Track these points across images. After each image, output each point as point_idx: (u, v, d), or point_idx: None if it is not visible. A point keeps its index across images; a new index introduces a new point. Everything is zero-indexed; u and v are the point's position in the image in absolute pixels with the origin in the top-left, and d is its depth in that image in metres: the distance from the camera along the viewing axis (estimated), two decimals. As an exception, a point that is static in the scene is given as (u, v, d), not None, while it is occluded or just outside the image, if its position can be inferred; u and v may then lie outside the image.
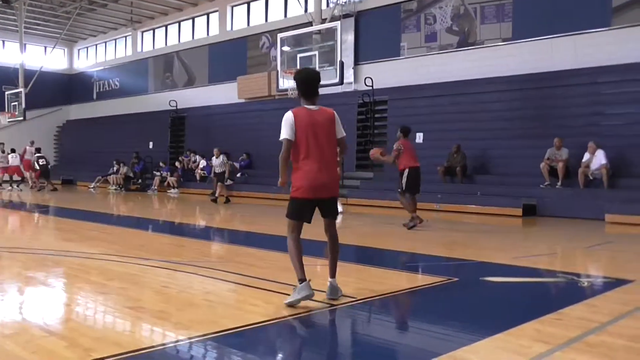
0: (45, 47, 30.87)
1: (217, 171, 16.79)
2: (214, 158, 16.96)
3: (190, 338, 3.80)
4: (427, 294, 5.39)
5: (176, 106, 24.55)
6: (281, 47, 15.76)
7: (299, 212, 4.76)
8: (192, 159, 21.90)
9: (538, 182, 13.46)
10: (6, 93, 25.89)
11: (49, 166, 22.74)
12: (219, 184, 16.51)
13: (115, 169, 23.86)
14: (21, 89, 25.28)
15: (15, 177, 22.65)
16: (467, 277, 6.13)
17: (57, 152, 31.80)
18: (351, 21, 19.11)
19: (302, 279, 4.55)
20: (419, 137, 16.17)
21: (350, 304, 4.75)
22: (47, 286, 5.68)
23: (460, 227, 11.43)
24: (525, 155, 14.43)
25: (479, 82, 16.19)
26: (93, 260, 6.94)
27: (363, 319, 4.66)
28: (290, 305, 4.49)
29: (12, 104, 25.57)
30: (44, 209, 15.34)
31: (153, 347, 3.73)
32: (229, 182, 17.36)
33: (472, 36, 16.95)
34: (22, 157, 22.56)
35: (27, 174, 22.70)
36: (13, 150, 22.05)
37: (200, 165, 20.95)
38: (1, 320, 4.40)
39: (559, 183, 13.26)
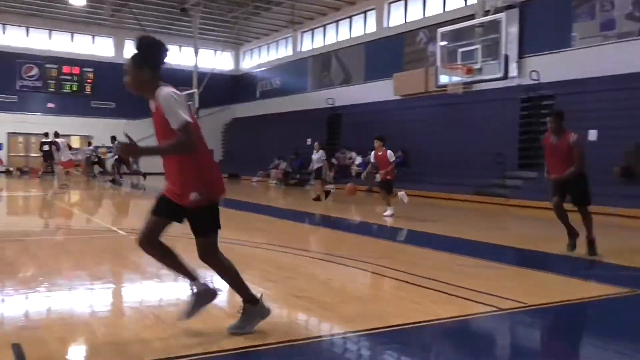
0: (215, 51, 33.36)
1: (314, 167, 16.01)
2: (314, 152, 16.19)
3: (356, 331, 3.83)
4: (604, 306, 4.89)
5: (333, 104, 25.16)
6: (440, 42, 15.39)
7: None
8: (348, 155, 22.29)
9: None
10: (182, 94, 28.40)
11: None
12: (316, 180, 15.93)
13: (276, 164, 25.09)
14: (195, 90, 27.61)
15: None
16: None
17: (224, 148, 34.21)
18: (515, 12, 18.12)
19: (254, 299, 3.75)
20: (593, 135, 14.87)
21: (520, 309, 4.48)
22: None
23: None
24: None
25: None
26: (259, 249, 7.31)
27: (533, 326, 4.37)
28: (245, 333, 3.64)
29: (187, 103, 27.87)
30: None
31: (321, 337, 3.82)
32: (329, 179, 16.58)
33: (657, 22, 15.19)
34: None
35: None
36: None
37: (356, 162, 21.25)
38: (183, 300, 4.79)
39: None
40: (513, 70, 17.64)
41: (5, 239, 8.22)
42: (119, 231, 8.68)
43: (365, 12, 25.59)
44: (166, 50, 3.59)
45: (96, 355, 3.31)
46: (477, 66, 13.79)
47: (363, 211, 14.34)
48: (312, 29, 29.00)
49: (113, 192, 19.31)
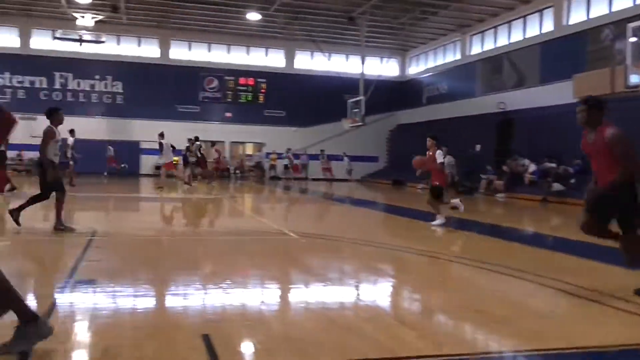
0: (381, 58, 33.66)
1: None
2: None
3: (537, 350, 3.55)
4: None
5: (504, 108, 23.98)
6: (630, 38, 13.90)
7: None
8: (520, 162, 21.06)
9: None
10: (348, 101, 29.05)
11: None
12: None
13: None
14: (361, 97, 28.08)
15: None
16: None
17: (389, 155, 34.32)
18: None
19: (32, 317, 3.27)
20: None
21: None
22: (391, 278, 6.02)
23: None
24: None
25: None
26: (426, 257, 7.12)
27: None
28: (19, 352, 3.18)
29: (354, 110, 28.57)
30: (367, 204, 16.57)
31: (501, 352, 3.59)
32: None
33: None
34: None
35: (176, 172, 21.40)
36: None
37: (530, 170, 20.01)
38: (361, 304, 4.80)
39: None
40: None
41: (187, 238, 8.97)
42: (290, 234, 9.02)
43: (541, 11, 24.05)
44: None
45: (274, 352, 3.40)
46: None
47: (533, 222, 13.41)
48: (482, 32, 27.97)
49: (283, 195, 20.29)
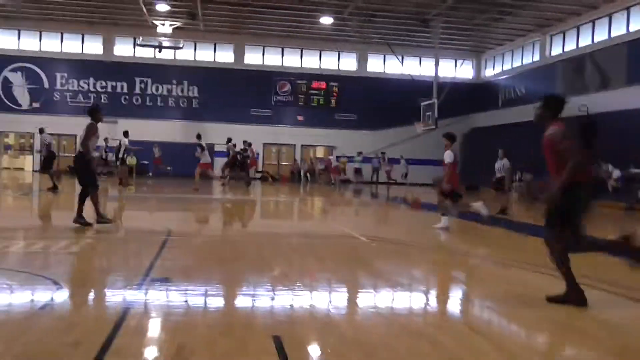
0: (455, 60, 32.99)
1: (496, 176, 14.26)
2: (497, 160, 14.38)
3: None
4: None
5: (587, 111, 22.87)
6: None
7: None
8: (604, 168, 20.01)
9: None
10: (422, 104, 28.64)
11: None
12: (496, 192, 14.17)
13: (518, 177, 23.69)
14: (434, 100, 27.60)
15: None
16: None
17: (463, 159, 33.51)
18: None
19: None
20: None
21: None
22: (465, 285, 5.82)
23: None
24: None
25: None
26: (503, 266, 6.85)
27: None
28: None
29: (427, 114, 28.13)
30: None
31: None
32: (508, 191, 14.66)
33: None
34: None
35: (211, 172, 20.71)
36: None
37: (614, 176, 18.98)
38: (432, 310, 4.67)
39: None
40: None
41: (256, 239, 9.07)
42: (360, 237, 8.94)
43: (627, 8, 22.80)
44: None
45: (345, 356, 3.35)
46: None
47: (618, 229, 12.66)
48: (564, 31, 26.84)
49: (353, 198, 20.23)
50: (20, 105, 29.63)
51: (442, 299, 5.25)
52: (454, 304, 5.11)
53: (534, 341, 3.92)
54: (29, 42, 30.10)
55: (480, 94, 33.43)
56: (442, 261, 7.25)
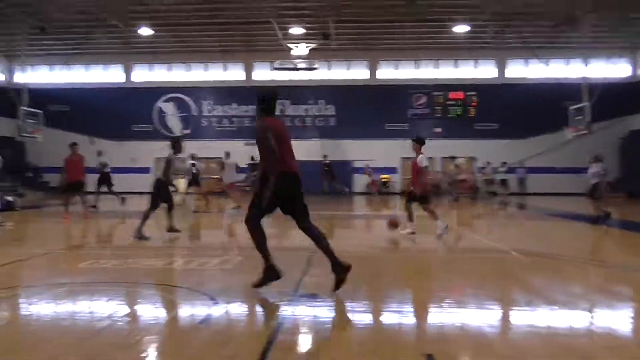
0: (608, 59, 30.46)
1: (591, 182, 13.31)
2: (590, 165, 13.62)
3: None
4: None
5: None
6: None
7: None
8: None
9: None
10: (570, 108, 26.72)
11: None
12: (592, 199, 13.18)
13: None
14: (585, 103, 25.57)
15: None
16: None
17: (620, 164, 30.67)
18: None
19: None
20: None
21: None
22: (633, 302, 5.27)
23: None
24: None
25: None
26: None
27: None
28: None
29: (576, 118, 26.18)
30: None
31: None
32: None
33: None
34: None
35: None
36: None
37: None
38: (597, 330, 4.27)
39: None
40: None
41: (400, 255, 8.92)
42: (511, 252, 8.47)
43: None
44: None
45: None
46: None
47: None
48: None
49: (500, 211, 19.36)
50: (173, 133, 32.36)
51: (608, 318, 4.77)
52: (623, 324, 4.61)
53: None
54: (178, 74, 32.86)
55: (638, 94, 30.52)
56: (605, 277, 6.63)
